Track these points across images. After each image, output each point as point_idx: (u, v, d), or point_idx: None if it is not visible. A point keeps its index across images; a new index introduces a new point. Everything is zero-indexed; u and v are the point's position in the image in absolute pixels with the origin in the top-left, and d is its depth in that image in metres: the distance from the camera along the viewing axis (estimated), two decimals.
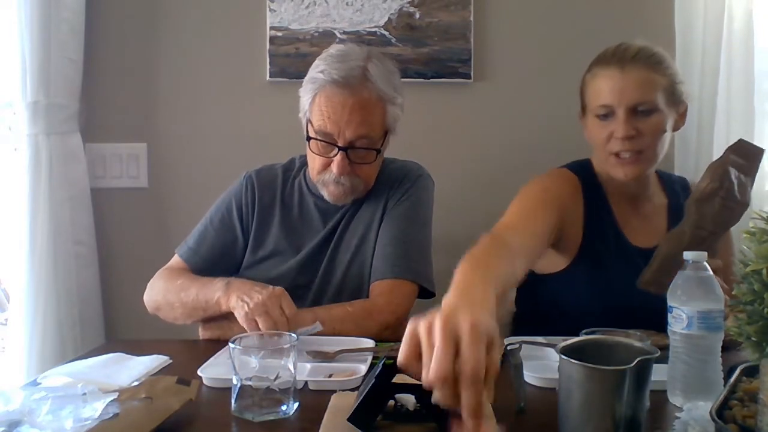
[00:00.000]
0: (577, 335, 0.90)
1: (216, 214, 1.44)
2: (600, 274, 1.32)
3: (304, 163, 1.48)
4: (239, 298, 1.17)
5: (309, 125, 1.34)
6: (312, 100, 1.32)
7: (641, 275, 1.20)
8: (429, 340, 0.66)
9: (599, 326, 0.95)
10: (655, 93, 1.24)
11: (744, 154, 1.18)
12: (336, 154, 1.30)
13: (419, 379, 0.67)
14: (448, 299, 0.76)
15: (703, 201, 1.16)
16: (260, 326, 1.13)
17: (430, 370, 0.64)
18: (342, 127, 1.28)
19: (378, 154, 1.35)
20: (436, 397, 0.64)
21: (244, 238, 1.42)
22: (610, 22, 1.93)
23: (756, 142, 1.83)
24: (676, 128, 1.32)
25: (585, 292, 1.33)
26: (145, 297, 1.38)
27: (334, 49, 1.36)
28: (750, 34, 1.80)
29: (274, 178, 1.47)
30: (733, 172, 1.16)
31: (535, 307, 1.45)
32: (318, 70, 1.31)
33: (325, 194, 1.37)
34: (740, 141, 1.22)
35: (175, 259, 1.43)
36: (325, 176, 1.34)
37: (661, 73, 1.25)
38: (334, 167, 1.30)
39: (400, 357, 0.69)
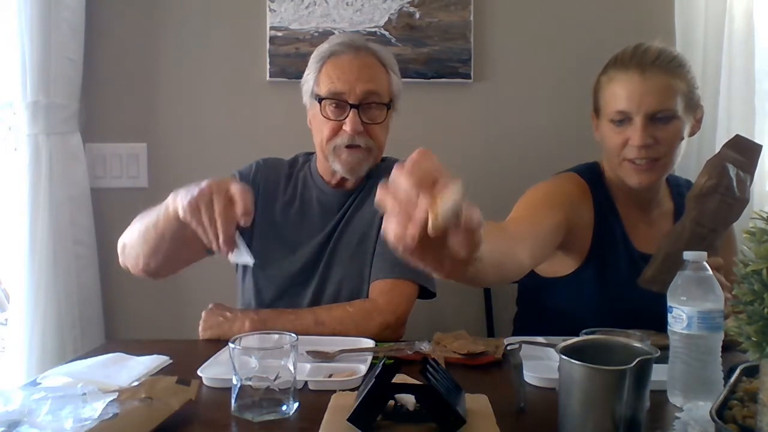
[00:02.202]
0: (578, 335, 0.90)
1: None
2: (607, 279, 1.31)
3: (307, 159, 1.49)
4: (185, 191, 1.05)
5: (317, 95, 1.36)
6: (319, 71, 1.37)
7: (642, 273, 1.19)
8: None
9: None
10: (675, 100, 1.21)
11: (741, 150, 1.17)
12: (347, 115, 1.32)
13: None
14: None
15: (702, 197, 1.15)
16: (203, 216, 1.01)
17: None
18: (352, 83, 1.32)
19: (388, 110, 1.37)
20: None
21: None
22: (611, 22, 1.93)
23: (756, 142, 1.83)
24: (692, 134, 1.30)
25: (592, 296, 1.32)
26: (118, 244, 1.31)
27: (337, 34, 1.48)
28: (750, 33, 1.80)
29: (281, 170, 1.48)
30: (732, 168, 1.14)
31: (540, 311, 1.44)
32: (322, 48, 1.39)
33: (338, 166, 1.36)
34: (737, 137, 1.20)
35: None
36: (337, 141, 1.34)
37: (681, 78, 1.22)
38: (348, 126, 1.32)
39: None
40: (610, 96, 1.25)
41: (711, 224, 1.15)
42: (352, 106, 1.32)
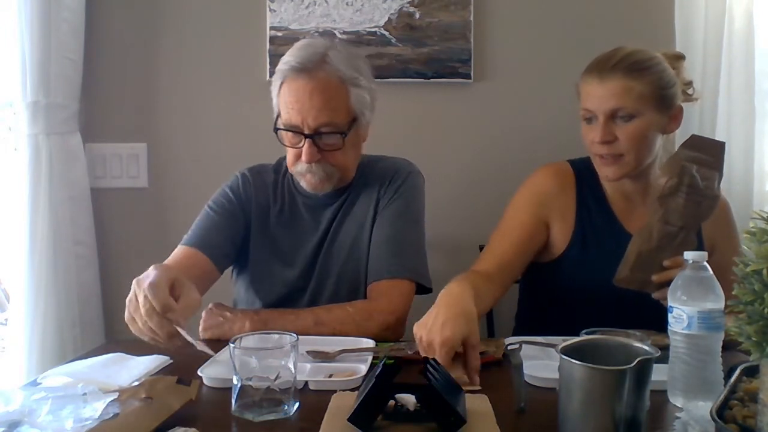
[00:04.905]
0: (577, 335, 0.90)
1: (215, 205, 1.41)
2: (593, 262, 1.34)
3: None
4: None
5: (278, 118, 1.33)
6: (278, 92, 1.32)
7: (617, 273, 1.23)
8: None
9: (593, 313, 0.96)
10: (634, 100, 1.26)
11: (701, 148, 1.20)
12: (303, 144, 1.30)
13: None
14: (433, 313, 1.00)
15: (666, 197, 1.18)
16: (140, 327, 1.02)
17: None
18: (305, 114, 1.27)
19: (344, 138, 1.31)
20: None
21: (245, 227, 1.40)
22: (611, 22, 1.93)
23: (756, 142, 1.84)
24: (668, 131, 1.33)
25: (577, 278, 1.36)
26: None
27: (300, 42, 1.37)
28: (750, 34, 1.80)
29: (267, 178, 1.45)
30: (693, 167, 1.17)
31: (537, 297, 1.48)
32: (282, 62, 1.32)
33: (303, 184, 1.36)
34: (693, 136, 1.24)
35: (177, 250, 1.35)
36: (299, 167, 1.33)
37: (642, 81, 1.26)
38: (303, 156, 1.30)
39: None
40: (582, 96, 1.33)
41: (679, 222, 1.18)
42: (306, 136, 1.28)
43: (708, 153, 1.19)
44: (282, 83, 1.31)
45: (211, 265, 1.34)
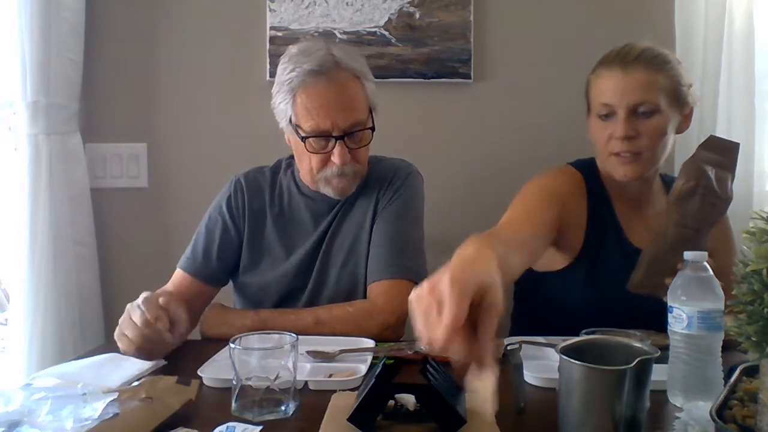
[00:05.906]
0: (577, 335, 0.90)
1: (209, 221, 1.42)
2: (600, 274, 1.32)
3: (290, 164, 1.46)
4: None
5: (298, 129, 1.30)
6: (293, 102, 1.29)
7: (631, 278, 1.21)
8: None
9: (598, 325, 0.96)
10: (657, 94, 1.24)
11: (718, 150, 1.19)
12: (333, 146, 1.29)
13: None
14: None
15: (682, 200, 1.17)
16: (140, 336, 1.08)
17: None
18: (334, 117, 1.26)
19: (373, 132, 1.33)
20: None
21: (239, 240, 1.41)
22: (611, 22, 1.93)
23: (756, 142, 1.84)
24: (680, 130, 1.32)
25: (584, 291, 1.33)
26: None
27: (294, 48, 1.34)
28: (750, 34, 1.80)
29: (263, 182, 1.45)
30: (709, 168, 1.16)
31: (535, 305, 1.45)
32: (288, 72, 1.29)
33: (329, 191, 1.35)
34: (711, 137, 1.23)
35: (176, 274, 1.40)
36: (327, 172, 1.32)
37: (664, 74, 1.25)
38: (336, 159, 1.29)
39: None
40: (596, 92, 1.30)
41: (695, 225, 1.17)
42: (337, 138, 1.28)
43: (724, 154, 1.18)
44: (296, 92, 1.28)
45: (207, 288, 1.39)
